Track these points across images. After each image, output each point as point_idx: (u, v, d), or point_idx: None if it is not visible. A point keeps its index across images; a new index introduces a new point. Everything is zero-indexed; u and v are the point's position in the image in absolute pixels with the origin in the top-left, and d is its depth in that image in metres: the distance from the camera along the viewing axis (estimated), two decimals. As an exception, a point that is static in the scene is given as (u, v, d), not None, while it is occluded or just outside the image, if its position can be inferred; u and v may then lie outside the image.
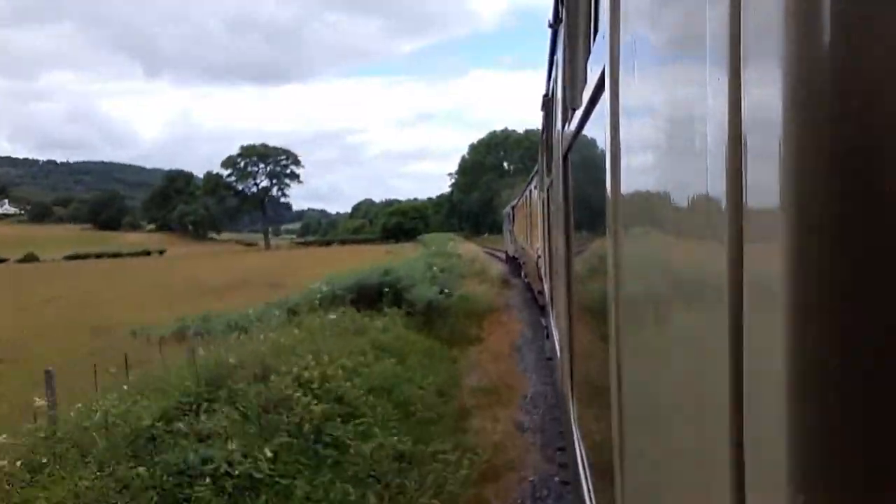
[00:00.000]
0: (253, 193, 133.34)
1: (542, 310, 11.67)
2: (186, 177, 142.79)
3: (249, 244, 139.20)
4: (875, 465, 0.48)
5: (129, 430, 6.40)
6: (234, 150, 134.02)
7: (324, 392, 8.33)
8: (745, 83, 0.57)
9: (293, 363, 8.96)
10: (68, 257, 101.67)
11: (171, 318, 21.30)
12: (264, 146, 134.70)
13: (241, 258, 76.86)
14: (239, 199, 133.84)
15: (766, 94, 0.51)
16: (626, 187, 1.30)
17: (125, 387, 8.27)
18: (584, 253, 2.66)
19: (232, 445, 6.26)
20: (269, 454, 6.38)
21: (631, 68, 1.21)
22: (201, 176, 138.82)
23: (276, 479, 6.30)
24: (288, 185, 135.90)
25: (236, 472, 5.87)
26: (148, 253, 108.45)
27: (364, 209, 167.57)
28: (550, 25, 4.49)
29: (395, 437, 7.81)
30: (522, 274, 22.75)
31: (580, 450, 2.88)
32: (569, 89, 2.98)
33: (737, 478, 0.60)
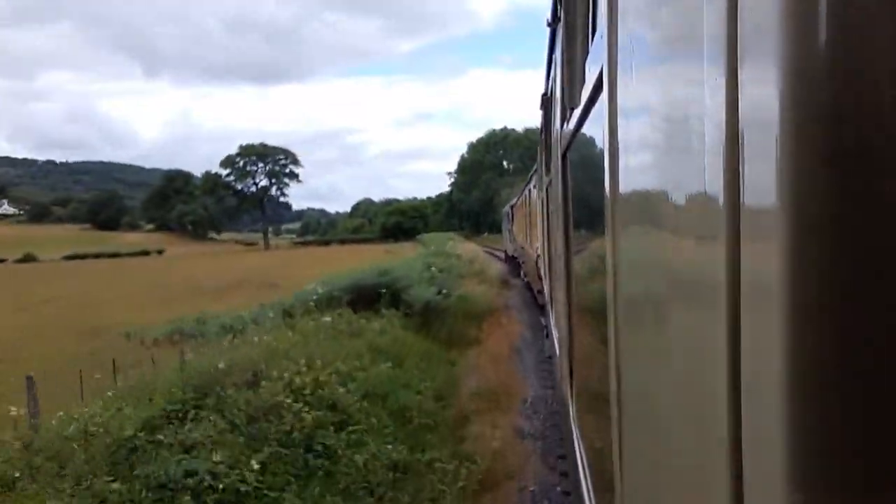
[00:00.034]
0: (252, 193, 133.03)
1: (542, 309, 11.59)
2: (185, 176, 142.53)
3: (249, 244, 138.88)
4: (874, 465, 0.48)
5: (111, 441, 6.13)
6: (234, 150, 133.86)
7: (316, 399, 8.10)
8: (742, 83, 0.57)
9: (285, 368, 8.73)
10: (67, 257, 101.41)
11: (168, 319, 21.12)
12: (263, 146, 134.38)
13: (241, 258, 76.69)
14: (238, 199, 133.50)
15: (764, 93, 0.51)
16: (624, 186, 1.31)
17: (110, 393, 8.02)
18: (583, 252, 2.69)
19: (217, 456, 6.00)
20: (257, 466, 6.12)
21: (629, 68, 1.22)
22: (200, 176, 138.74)
23: (264, 491, 6.03)
24: (287, 185, 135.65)
25: (220, 486, 5.59)
26: (147, 253, 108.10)
27: (363, 209, 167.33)
28: (549, 25, 4.49)
29: (390, 446, 7.58)
30: (522, 274, 22.65)
31: (580, 449, 2.92)
32: (567, 88, 3.02)
33: (735, 478, 0.59)
